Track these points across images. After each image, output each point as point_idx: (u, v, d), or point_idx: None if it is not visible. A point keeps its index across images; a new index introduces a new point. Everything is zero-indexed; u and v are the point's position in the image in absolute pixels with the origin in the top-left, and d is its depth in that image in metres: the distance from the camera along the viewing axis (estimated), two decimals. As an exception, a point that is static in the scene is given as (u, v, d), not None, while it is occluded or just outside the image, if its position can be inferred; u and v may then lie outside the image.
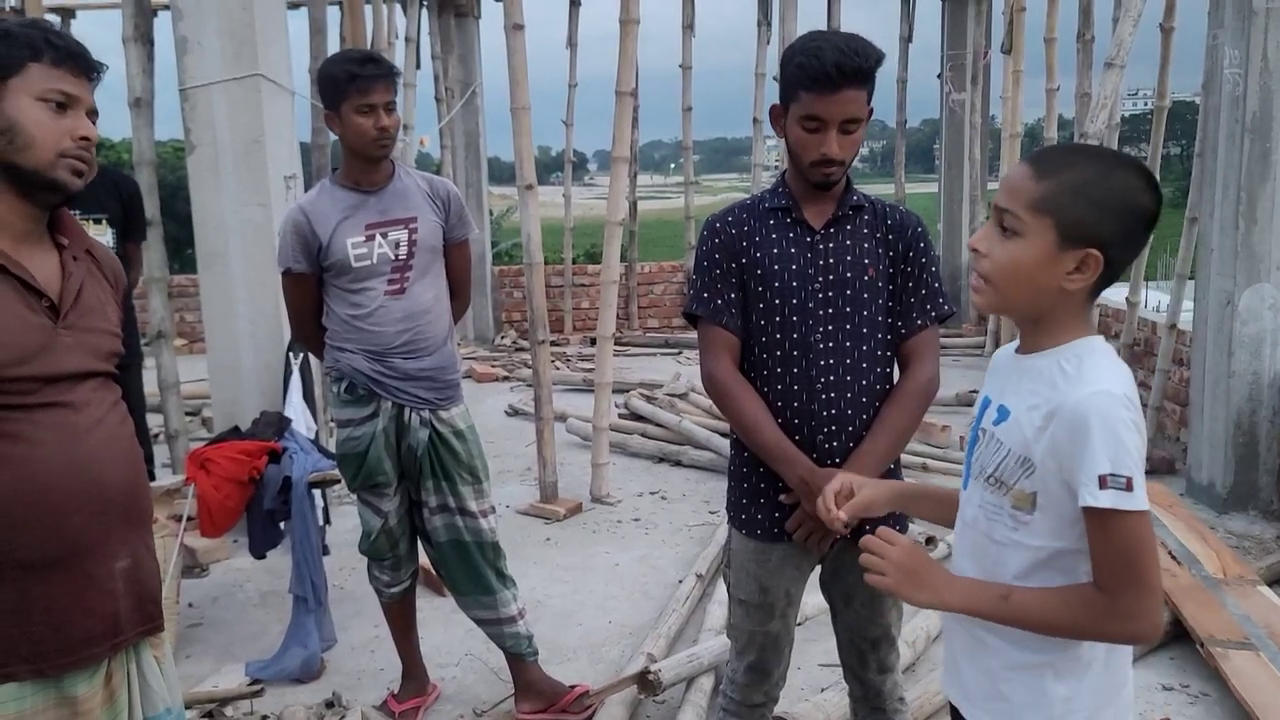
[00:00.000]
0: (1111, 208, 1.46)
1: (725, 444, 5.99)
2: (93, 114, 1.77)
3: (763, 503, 2.32)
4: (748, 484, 2.35)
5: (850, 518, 1.83)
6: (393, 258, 3.05)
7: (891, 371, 2.36)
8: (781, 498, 2.28)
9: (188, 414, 6.13)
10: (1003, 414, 1.56)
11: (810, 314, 2.24)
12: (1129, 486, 1.40)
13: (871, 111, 2.23)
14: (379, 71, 2.97)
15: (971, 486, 1.63)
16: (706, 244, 2.34)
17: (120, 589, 1.79)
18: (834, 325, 2.25)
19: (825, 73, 2.09)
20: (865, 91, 2.16)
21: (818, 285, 2.25)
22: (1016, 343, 1.62)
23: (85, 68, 1.74)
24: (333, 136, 5.75)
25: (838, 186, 2.28)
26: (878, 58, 2.16)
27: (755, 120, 9.64)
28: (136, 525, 1.83)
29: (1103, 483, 1.40)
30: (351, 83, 2.94)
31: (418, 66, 9.48)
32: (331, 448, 4.50)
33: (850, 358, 2.25)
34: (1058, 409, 1.46)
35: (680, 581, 4.38)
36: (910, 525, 2.45)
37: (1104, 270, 1.48)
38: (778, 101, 2.27)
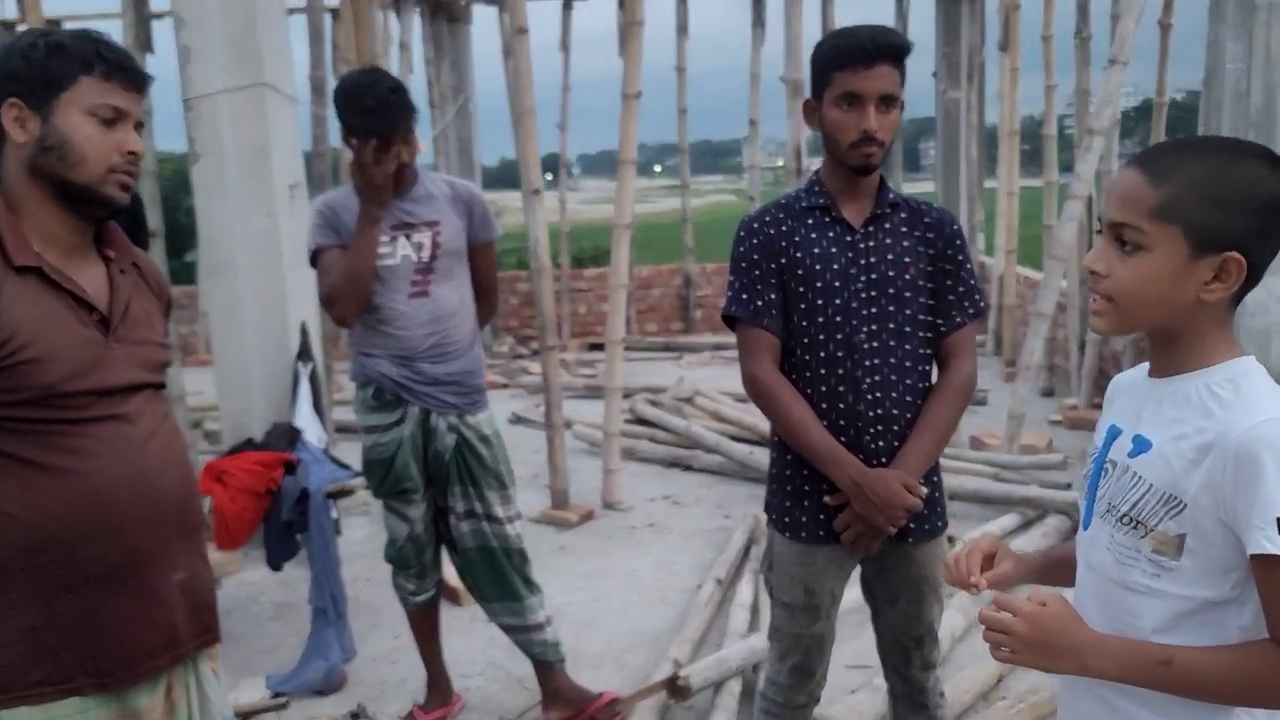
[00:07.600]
0: (1239, 204, 1.31)
1: (736, 448, 5.99)
2: (139, 126, 1.75)
3: (807, 505, 2.30)
4: (791, 486, 2.33)
5: (988, 587, 1.60)
6: (415, 259, 3.02)
7: (931, 369, 2.35)
8: (827, 499, 2.26)
9: (190, 425, 6.08)
10: (1141, 445, 1.40)
11: (854, 313, 2.23)
12: None
13: (903, 105, 2.24)
14: (394, 125, 2.86)
15: (1096, 526, 1.46)
16: (744, 245, 2.32)
17: (178, 600, 1.79)
18: (878, 324, 2.24)
19: (861, 47, 2.15)
20: (898, 72, 2.20)
21: (860, 284, 2.24)
22: (1144, 366, 1.48)
23: (136, 81, 1.72)
24: (334, 145, 5.72)
25: (873, 183, 2.29)
26: (909, 42, 2.22)
27: (752, 122, 9.66)
28: (191, 536, 1.84)
29: None
30: (367, 131, 2.84)
31: (411, 73, 9.46)
32: (341, 458, 4.47)
33: (894, 356, 2.24)
34: (1217, 440, 1.30)
35: (699, 586, 4.36)
36: (940, 526, 2.40)
37: (1246, 274, 1.33)
38: (810, 96, 2.28)
